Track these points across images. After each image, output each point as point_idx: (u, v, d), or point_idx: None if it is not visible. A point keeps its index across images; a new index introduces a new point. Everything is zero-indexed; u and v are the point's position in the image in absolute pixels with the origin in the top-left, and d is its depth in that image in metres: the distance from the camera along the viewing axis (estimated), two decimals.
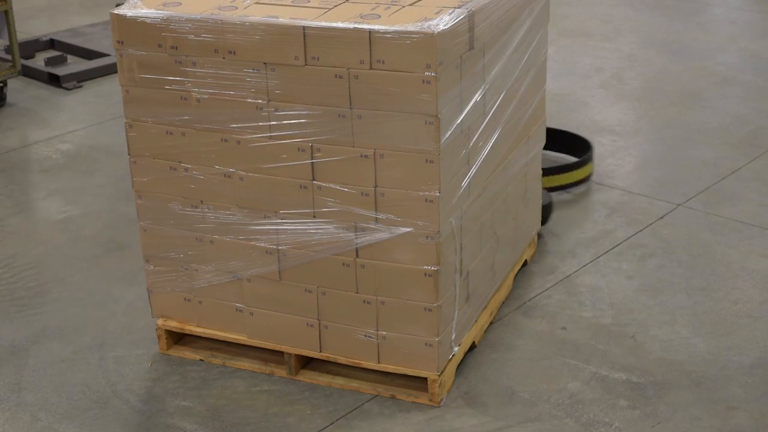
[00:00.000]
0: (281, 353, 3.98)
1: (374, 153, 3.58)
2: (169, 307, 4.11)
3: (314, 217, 3.73)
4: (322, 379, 3.96)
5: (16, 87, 7.17)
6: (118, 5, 3.85)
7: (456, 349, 3.90)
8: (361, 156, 3.60)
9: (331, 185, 3.67)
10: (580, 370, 4.01)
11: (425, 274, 3.66)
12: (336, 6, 3.68)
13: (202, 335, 4.11)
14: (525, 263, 4.69)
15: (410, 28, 3.42)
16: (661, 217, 5.16)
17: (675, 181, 5.54)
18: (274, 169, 3.72)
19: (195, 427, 3.76)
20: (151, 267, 4.08)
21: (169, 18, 3.68)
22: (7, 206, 5.52)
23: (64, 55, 7.67)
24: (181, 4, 3.78)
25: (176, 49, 3.71)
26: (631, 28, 8.21)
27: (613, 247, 4.86)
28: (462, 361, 4.01)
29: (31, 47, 7.93)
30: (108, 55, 7.58)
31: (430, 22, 3.43)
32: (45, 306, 4.56)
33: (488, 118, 3.92)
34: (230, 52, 3.63)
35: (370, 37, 3.45)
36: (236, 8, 3.70)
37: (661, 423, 3.72)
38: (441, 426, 3.73)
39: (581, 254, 4.82)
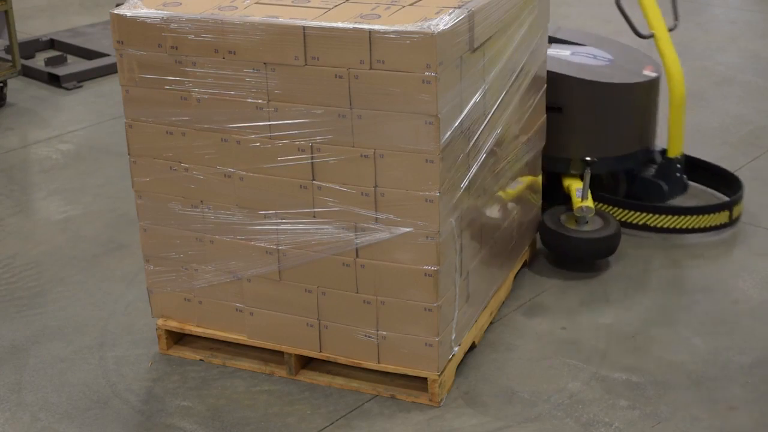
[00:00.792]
0: (281, 353, 3.98)
1: (374, 153, 3.58)
2: (169, 307, 4.11)
3: (314, 217, 3.73)
4: (322, 379, 3.96)
5: (16, 87, 7.17)
6: (118, 5, 3.85)
7: (456, 349, 3.90)
8: (361, 156, 3.60)
9: (331, 185, 3.67)
10: (580, 370, 4.01)
11: (425, 274, 3.66)
12: (336, 6, 3.68)
13: (202, 335, 4.11)
14: (525, 263, 4.69)
15: (410, 28, 3.42)
16: None
17: None
18: (274, 169, 3.72)
19: (195, 427, 3.76)
20: (151, 267, 4.08)
21: (169, 18, 3.68)
22: (7, 206, 5.52)
23: (64, 55, 7.68)
24: (181, 4, 3.78)
25: (176, 49, 3.71)
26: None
27: None
28: (462, 361, 4.01)
29: (31, 47, 7.93)
30: (108, 55, 7.58)
31: (430, 22, 3.43)
32: (45, 306, 4.56)
33: (488, 118, 3.92)
34: (230, 52, 3.63)
35: (370, 37, 3.45)
36: (236, 8, 3.70)
37: (661, 423, 3.72)
38: (441, 426, 3.73)
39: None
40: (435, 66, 3.41)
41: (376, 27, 3.45)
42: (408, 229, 3.62)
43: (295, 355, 3.95)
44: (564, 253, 4.71)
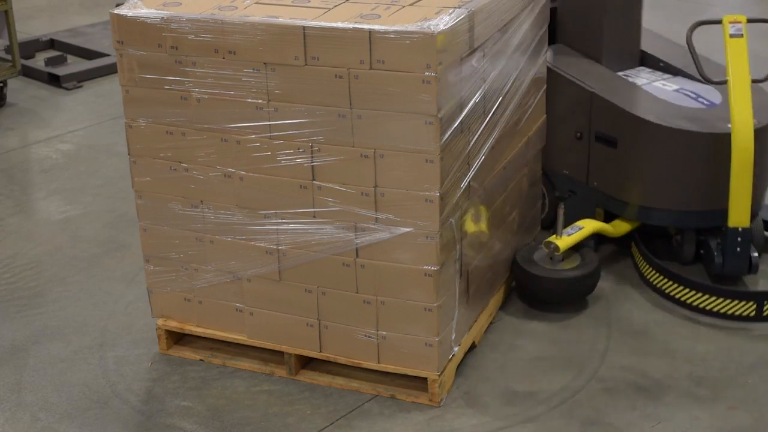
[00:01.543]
0: (281, 353, 3.98)
1: (374, 153, 3.58)
2: (169, 307, 4.11)
3: (314, 217, 3.73)
4: (322, 379, 3.96)
5: (16, 87, 7.17)
6: (118, 5, 3.85)
7: (456, 349, 3.90)
8: (361, 156, 3.60)
9: (331, 185, 3.67)
10: (581, 370, 4.01)
11: (425, 274, 3.66)
12: (336, 6, 3.68)
13: (202, 335, 4.11)
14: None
15: (410, 28, 3.42)
16: None
17: None
18: (274, 169, 3.72)
19: (195, 427, 3.76)
20: (151, 267, 4.08)
21: (169, 18, 3.68)
22: (7, 206, 5.52)
23: (64, 55, 7.68)
24: (181, 4, 3.78)
25: (176, 49, 3.71)
26: None
27: (613, 247, 4.85)
28: (462, 361, 4.01)
29: (31, 47, 7.94)
30: (108, 55, 7.58)
31: (430, 22, 3.43)
32: (45, 306, 4.56)
33: (488, 118, 3.92)
34: (230, 52, 3.63)
35: (370, 37, 3.45)
36: (236, 8, 3.70)
37: (661, 423, 3.72)
38: (441, 426, 3.73)
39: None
40: (435, 66, 3.41)
41: (376, 27, 3.45)
42: (408, 229, 3.62)
43: (295, 355, 3.95)
44: (530, 293, 4.42)
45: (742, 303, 4.25)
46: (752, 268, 4.40)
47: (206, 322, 4.08)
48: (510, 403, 3.84)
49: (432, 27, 3.40)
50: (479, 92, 3.80)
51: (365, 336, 3.82)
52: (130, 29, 3.75)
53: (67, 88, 7.21)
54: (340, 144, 3.61)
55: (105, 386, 4.00)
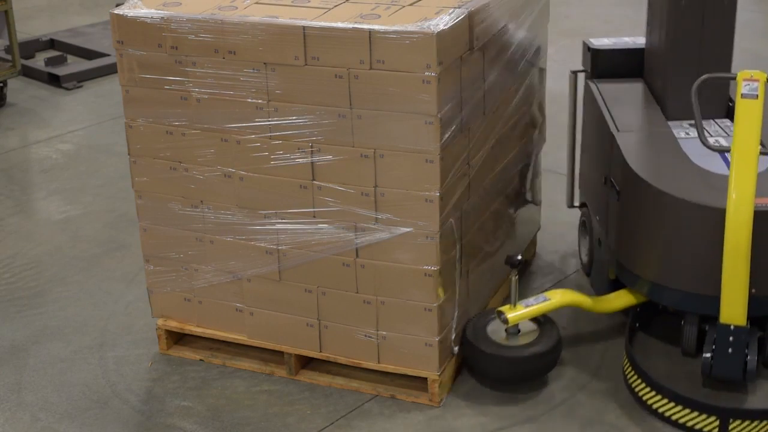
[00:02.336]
0: (281, 353, 3.98)
1: (374, 153, 3.58)
2: (169, 307, 4.11)
3: (314, 217, 3.73)
4: (322, 379, 3.96)
5: (16, 87, 7.17)
6: (118, 5, 3.85)
7: (456, 349, 3.90)
8: (361, 156, 3.60)
9: (331, 185, 3.67)
10: (581, 369, 4.01)
11: (425, 274, 3.66)
12: (336, 6, 3.68)
13: (202, 335, 4.11)
14: (525, 263, 4.69)
15: (410, 28, 3.42)
16: None
17: None
18: (274, 169, 3.72)
19: (195, 427, 3.76)
20: (151, 267, 4.08)
21: (169, 18, 3.68)
22: (7, 206, 5.52)
23: (64, 55, 7.68)
24: (181, 4, 3.79)
25: (176, 49, 3.71)
26: (631, 28, 8.20)
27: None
28: (462, 361, 4.01)
29: (31, 47, 7.94)
30: (108, 55, 7.59)
31: (430, 22, 3.43)
32: (45, 306, 4.56)
33: (488, 118, 3.92)
34: (230, 52, 3.63)
35: (370, 37, 3.45)
36: (236, 8, 3.70)
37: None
38: (441, 426, 3.73)
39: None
40: (435, 66, 3.41)
41: (376, 27, 3.45)
42: (408, 229, 3.62)
43: (295, 355, 3.95)
44: (475, 370, 3.93)
45: (703, 417, 3.58)
46: (747, 374, 3.67)
47: (206, 322, 4.08)
48: (510, 403, 3.84)
49: (432, 27, 3.40)
50: (479, 92, 3.80)
51: (365, 336, 3.82)
52: (130, 29, 3.75)
53: (67, 88, 7.21)
54: (340, 144, 3.61)
55: (105, 386, 4.00)
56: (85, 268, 4.87)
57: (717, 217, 3.59)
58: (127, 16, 3.75)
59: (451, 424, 3.74)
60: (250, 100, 3.67)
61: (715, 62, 4.08)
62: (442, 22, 3.44)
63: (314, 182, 3.69)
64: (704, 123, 3.91)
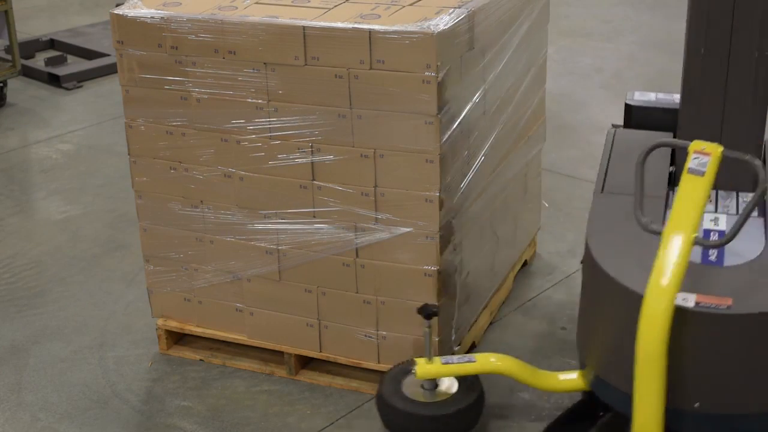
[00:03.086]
0: (281, 353, 3.98)
1: (374, 153, 3.58)
2: (169, 307, 4.11)
3: (314, 217, 3.73)
4: (322, 379, 3.96)
5: (16, 87, 7.17)
6: (118, 5, 3.85)
7: (456, 349, 3.90)
8: (361, 156, 3.60)
9: (331, 185, 3.67)
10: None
11: (425, 274, 3.66)
12: (336, 6, 3.68)
13: (202, 335, 4.11)
14: (525, 263, 4.69)
15: (410, 28, 3.42)
16: None
17: None
18: (274, 169, 3.72)
19: (195, 427, 3.76)
20: (151, 267, 4.08)
21: (169, 18, 3.68)
22: (7, 206, 5.52)
23: (64, 55, 7.68)
24: (181, 4, 3.79)
25: (176, 49, 3.71)
26: (631, 28, 8.21)
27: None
28: None
29: (31, 47, 7.94)
30: (108, 55, 7.59)
31: (430, 22, 3.43)
32: (45, 306, 4.56)
33: (488, 118, 3.93)
34: (230, 52, 3.63)
35: (370, 37, 3.45)
36: (236, 8, 3.70)
37: None
38: None
39: (581, 254, 4.80)
40: (435, 66, 3.41)
41: (376, 27, 3.45)
42: (408, 229, 3.63)
43: (295, 355, 3.95)
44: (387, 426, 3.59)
45: None
46: None
47: (206, 322, 4.08)
48: (510, 403, 3.84)
49: (432, 27, 3.40)
50: (479, 92, 3.80)
51: (365, 336, 3.82)
52: (130, 29, 3.75)
53: (67, 88, 7.21)
54: (340, 144, 3.61)
55: (105, 386, 4.00)
56: (85, 268, 4.87)
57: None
58: (127, 16, 3.75)
59: None
60: (250, 100, 3.68)
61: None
62: (442, 22, 3.44)
63: (314, 182, 3.69)
64: (726, 195, 3.46)
